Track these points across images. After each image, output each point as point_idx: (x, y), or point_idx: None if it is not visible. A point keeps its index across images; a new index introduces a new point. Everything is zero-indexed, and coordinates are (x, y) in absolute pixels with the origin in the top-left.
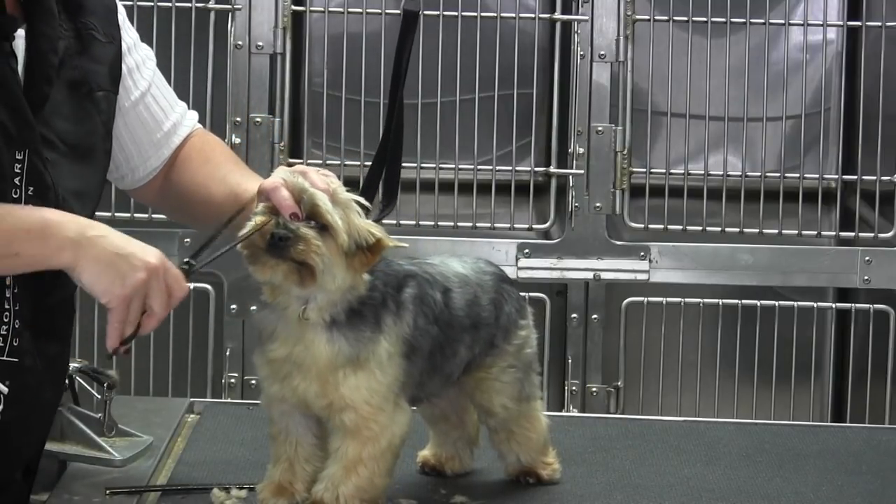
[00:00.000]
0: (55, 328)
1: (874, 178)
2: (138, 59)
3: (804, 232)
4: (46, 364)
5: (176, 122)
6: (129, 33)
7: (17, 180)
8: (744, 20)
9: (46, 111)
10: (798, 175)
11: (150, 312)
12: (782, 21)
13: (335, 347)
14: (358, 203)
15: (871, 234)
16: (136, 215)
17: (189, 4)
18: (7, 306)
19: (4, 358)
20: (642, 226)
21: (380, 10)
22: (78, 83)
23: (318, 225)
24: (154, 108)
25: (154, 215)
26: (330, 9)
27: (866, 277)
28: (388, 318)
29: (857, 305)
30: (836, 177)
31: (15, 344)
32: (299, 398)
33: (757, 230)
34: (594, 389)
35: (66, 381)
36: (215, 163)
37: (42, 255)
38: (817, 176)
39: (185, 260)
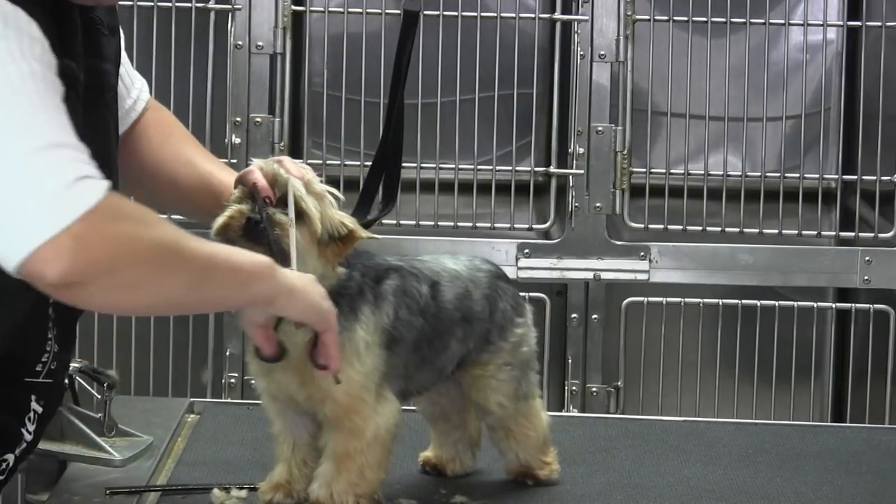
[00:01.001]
0: (73, 339)
1: (874, 178)
2: None
3: (804, 232)
4: (64, 373)
5: (136, 98)
6: None
7: None
8: (744, 20)
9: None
10: (798, 175)
11: None
12: (782, 21)
13: (311, 337)
14: (331, 194)
15: (871, 234)
16: None
17: (189, 4)
18: (49, 335)
19: (41, 380)
20: (642, 226)
21: (380, 10)
22: (93, 85)
23: (295, 212)
24: (119, 86)
25: None
26: (330, 9)
27: (866, 277)
28: (366, 309)
29: (857, 305)
30: (836, 177)
31: (52, 367)
32: (285, 393)
33: (757, 230)
34: (594, 389)
35: (67, 381)
36: (177, 140)
37: (264, 295)
38: (817, 176)
39: None
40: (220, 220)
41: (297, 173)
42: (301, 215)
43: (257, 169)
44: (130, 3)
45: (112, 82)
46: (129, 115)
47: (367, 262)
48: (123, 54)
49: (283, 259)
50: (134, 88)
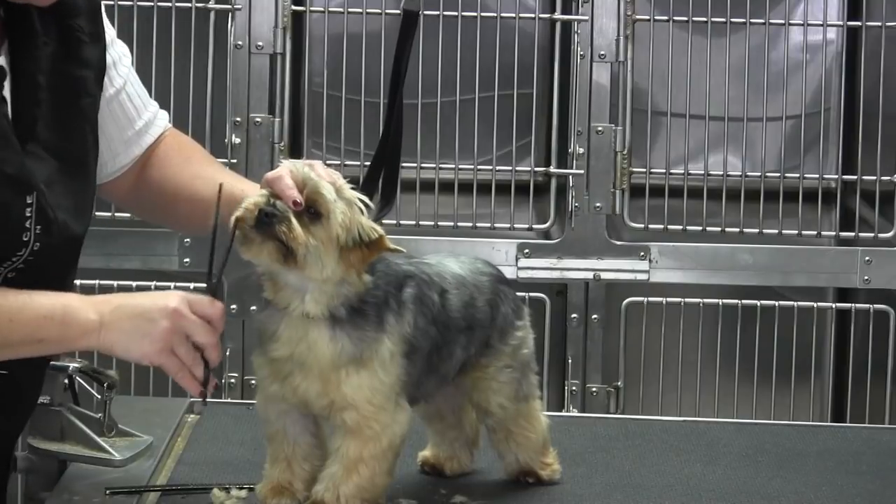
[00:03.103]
0: None
1: (874, 178)
2: (115, 55)
3: (804, 232)
4: None
5: (148, 122)
6: (107, 30)
7: (27, 223)
8: (744, 20)
9: (37, 128)
10: (798, 175)
11: (203, 346)
12: (782, 21)
13: (338, 346)
14: (362, 202)
15: (871, 234)
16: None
17: (189, 4)
18: None
19: None
20: (642, 226)
21: (380, 10)
22: (65, 92)
23: (317, 213)
24: (127, 105)
25: None
26: (330, 9)
27: (866, 277)
28: (391, 318)
29: (857, 305)
30: (836, 177)
31: None
32: (300, 398)
33: (757, 230)
34: (594, 389)
35: (67, 381)
36: (198, 162)
37: (66, 339)
38: (817, 176)
39: (206, 284)
40: (236, 213)
41: (328, 178)
42: (321, 215)
43: (287, 171)
44: (130, 3)
45: (92, 90)
46: (141, 138)
47: (387, 270)
48: (136, 78)
49: (293, 256)
50: (146, 112)
